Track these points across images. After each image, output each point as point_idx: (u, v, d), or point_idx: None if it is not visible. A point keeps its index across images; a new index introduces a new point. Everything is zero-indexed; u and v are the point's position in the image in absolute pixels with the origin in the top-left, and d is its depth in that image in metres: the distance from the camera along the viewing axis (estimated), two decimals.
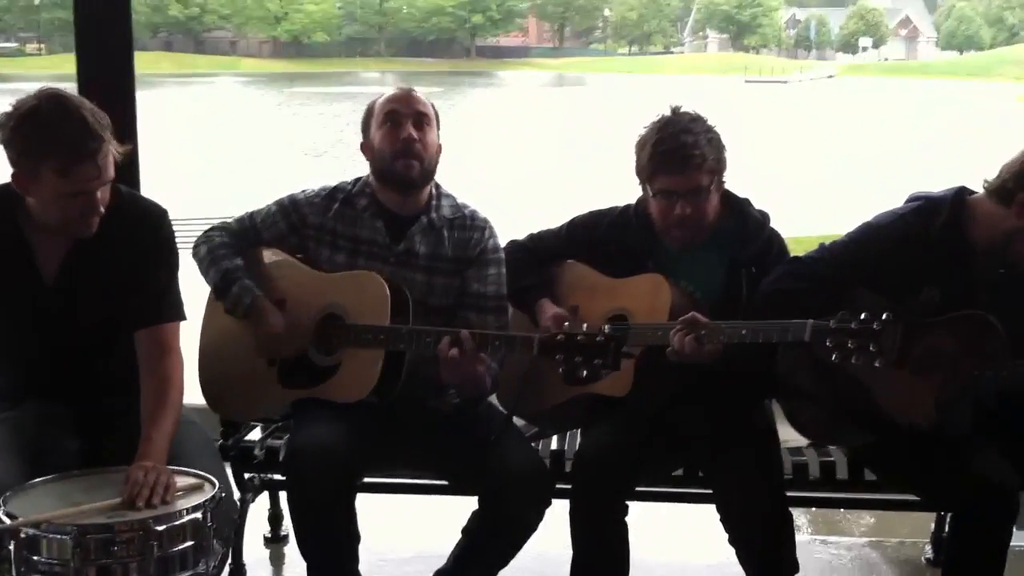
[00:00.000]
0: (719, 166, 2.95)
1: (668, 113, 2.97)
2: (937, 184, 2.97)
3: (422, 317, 2.93)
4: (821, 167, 22.72)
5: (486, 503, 2.84)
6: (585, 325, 2.67)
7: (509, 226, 3.29)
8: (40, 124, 2.51)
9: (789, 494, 2.95)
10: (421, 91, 3.07)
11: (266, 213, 3.12)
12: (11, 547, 2.24)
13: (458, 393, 2.95)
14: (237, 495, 3.02)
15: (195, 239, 3.13)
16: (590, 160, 21.97)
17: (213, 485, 2.46)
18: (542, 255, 3.20)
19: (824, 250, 2.92)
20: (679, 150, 2.87)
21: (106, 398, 2.77)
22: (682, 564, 3.62)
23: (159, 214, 2.78)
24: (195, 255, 3.09)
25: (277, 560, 3.64)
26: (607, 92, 48.06)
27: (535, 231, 3.27)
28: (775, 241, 3.04)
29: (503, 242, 3.15)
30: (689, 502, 3.21)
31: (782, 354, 2.82)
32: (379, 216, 3.03)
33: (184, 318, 2.81)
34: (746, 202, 3.06)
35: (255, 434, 3.23)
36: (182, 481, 2.47)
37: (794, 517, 2.91)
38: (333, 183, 3.14)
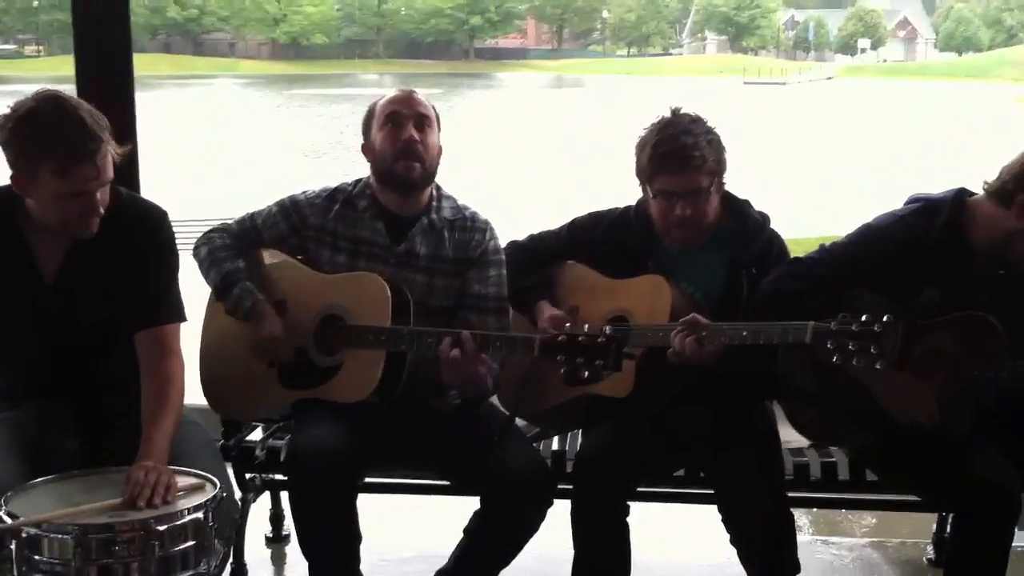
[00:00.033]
0: (719, 167, 2.95)
1: (668, 114, 2.98)
2: (936, 185, 2.97)
3: (423, 318, 2.93)
4: (820, 168, 22.72)
5: (487, 503, 2.84)
6: (586, 326, 2.67)
7: (509, 227, 3.29)
8: (38, 126, 2.51)
9: (790, 494, 2.95)
10: (420, 93, 3.08)
11: (267, 214, 3.13)
12: (12, 547, 2.24)
13: (459, 394, 2.95)
14: (238, 495, 3.03)
15: (195, 240, 3.13)
16: (589, 161, 21.97)
17: (214, 485, 2.46)
18: (542, 256, 3.20)
19: (824, 251, 2.92)
20: (679, 151, 2.87)
21: (106, 398, 2.77)
22: (683, 564, 3.62)
23: (159, 215, 2.79)
24: (196, 256, 3.10)
25: (278, 560, 3.64)
26: (606, 93, 48.07)
27: (535, 232, 3.27)
28: (775, 242, 3.04)
29: (503, 243, 3.15)
30: (690, 502, 3.21)
31: (783, 355, 2.83)
32: (380, 217, 3.03)
33: (184, 319, 2.82)
34: (746, 203, 3.06)
35: (256, 434, 3.23)
36: (183, 481, 2.47)
37: (795, 517, 2.91)
38: (334, 184, 3.14)
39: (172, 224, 2.81)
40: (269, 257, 3.14)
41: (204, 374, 3.13)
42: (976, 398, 2.79)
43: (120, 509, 2.33)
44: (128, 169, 2.83)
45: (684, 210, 2.90)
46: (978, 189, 2.84)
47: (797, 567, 2.84)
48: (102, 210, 2.61)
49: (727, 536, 2.85)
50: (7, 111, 2.56)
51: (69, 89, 2.82)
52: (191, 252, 3.09)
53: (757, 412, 3.05)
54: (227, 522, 2.52)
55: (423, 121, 3.00)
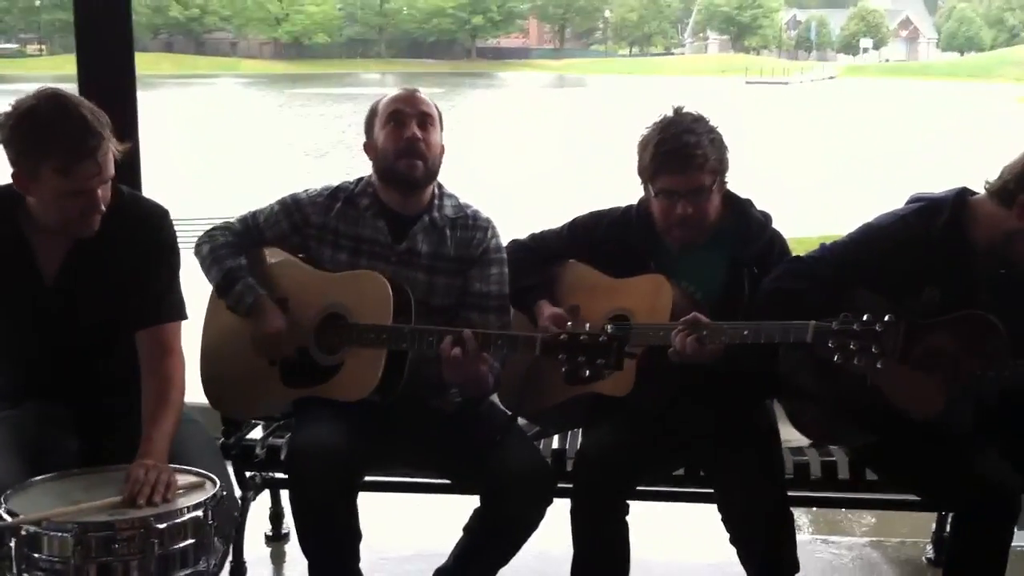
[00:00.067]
0: (721, 166, 2.95)
1: (670, 113, 2.98)
2: (938, 185, 2.97)
3: (424, 317, 2.93)
4: (822, 168, 22.71)
5: (488, 502, 2.84)
6: (588, 325, 2.67)
7: (510, 226, 3.29)
8: (39, 123, 2.51)
9: (790, 494, 2.95)
10: (423, 92, 3.08)
11: (269, 212, 3.13)
12: (12, 545, 2.24)
13: (460, 392, 2.95)
14: (238, 493, 3.03)
15: (197, 238, 3.13)
16: (591, 161, 21.97)
17: (214, 483, 2.46)
18: (543, 255, 3.20)
19: (825, 250, 2.92)
20: (681, 150, 2.88)
21: (106, 398, 2.77)
22: (682, 563, 3.62)
23: (160, 214, 2.78)
24: (197, 254, 3.10)
25: (278, 558, 3.65)
26: (607, 93, 48.07)
27: (536, 231, 3.27)
28: (777, 241, 3.04)
29: (505, 242, 3.16)
30: (690, 501, 3.21)
31: (784, 354, 2.83)
32: (381, 216, 3.03)
33: (185, 318, 2.81)
34: (748, 203, 3.07)
35: (256, 432, 3.23)
36: (183, 479, 2.47)
37: (795, 517, 2.91)
38: (335, 183, 3.14)
39: (174, 223, 2.81)
40: (271, 255, 3.14)
41: (205, 372, 3.13)
42: (977, 398, 2.79)
43: (120, 507, 2.33)
44: (130, 168, 2.83)
45: (685, 209, 2.90)
46: (979, 189, 2.84)
47: (796, 566, 2.84)
48: (103, 208, 2.61)
49: (726, 535, 2.85)
50: (8, 109, 2.55)
51: (71, 88, 2.81)
52: (192, 250, 3.10)
53: (758, 411, 3.05)
54: (227, 520, 2.52)
55: (426, 120, 3.00)
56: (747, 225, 3.02)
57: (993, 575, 2.73)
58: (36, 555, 2.24)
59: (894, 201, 2.98)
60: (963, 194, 2.86)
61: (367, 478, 2.96)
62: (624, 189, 3.21)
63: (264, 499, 3.60)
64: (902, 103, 41.98)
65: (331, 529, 2.78)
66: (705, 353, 2.72)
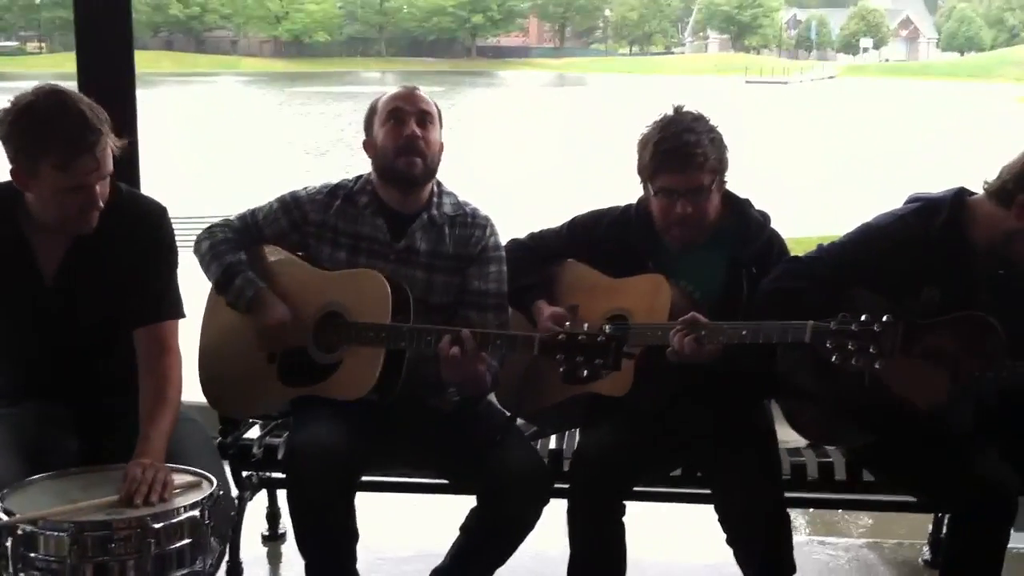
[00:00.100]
0: (721, 166, 2.95)
1: (671, 112, 2.98)
2: (937, 185, 2.96)
3: (422, 315, 2.93)
4: (821, 168, 22.72)
5: (486, 502, 2.84)
6: (586, 325, 2.67)
7: (509, 225, 3.29)
8: (38, 119, 2.51)
9: (787, 495, 2.94)
10: (422, 90, 3.08)
11: (268, 210, 3.13)
12: (8, 544, 2.24)
13: (458, 391, 2.95)
14: (235, 493, 3.02)
15: (196, 236, 3.13)
16: (590, 160, 21.98)
17: (211, 483, 2.46)
18: (542, 254, 3.20)
19: (823, 250, 2.92)
20: (681, 148, 2.87)
21: (106, 398, 2.76)
22: (679, 564, 3.62)
23: (159, 212, 2.78)
24: (197, 251, 3.09)
25: (274, 558, 3.64)
26: (607, 92, 48.10)
27: (535, 230, 3.27)
28: (776, 242, 3.04)
29: (504, 240, 3.15)
30: (686, 502, 3.20)
31: (782, 354, 2.82)
32: (380, 213, 3.03)
33: (183, 316, 2.81)
34: (747, 203, 3.06)
35: (253, 432, 3.23)
36: (180, 479, 2.47)
37: (792, 518, 2.91)
38: (335, 181, 3.14)
39: (172, 221, 2.81)
40: (270, 253, 3.13)
41: (203, 372, 3.12)
42: (977, 398, 2.79)
43: (117, 506, 2.33)
44: (129, 166, 2.83)
45: (685, 208, 2.90)
46: (979, 189, 2.84)
47: (793, 567, 2.84)
48: (101, 204, 2.61)
49: (723, 536, 2.85)
50: (7, 105, 2.55)
51: (71, 86, 2.81)
52: (191, 248, 3.09)
53: (756, 412, 3.05)
54: (223, 520, 2.52)
55: (425, 117, 3.00)
56: (746, 225, 3.02)
57: None
58: (32, 554, 2.23)
59: (893, 201, 2.98)
60: (961, 194, 2.85)
61: (365, 478, 2.96)
62: (624, 188, 3.20)
63: (261, 499, 3.59)
64: (902, 103, 42.00)
65: (329, 529, 2.78)
66: (703, 353, 2.72)
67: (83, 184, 2.54)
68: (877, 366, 2.53)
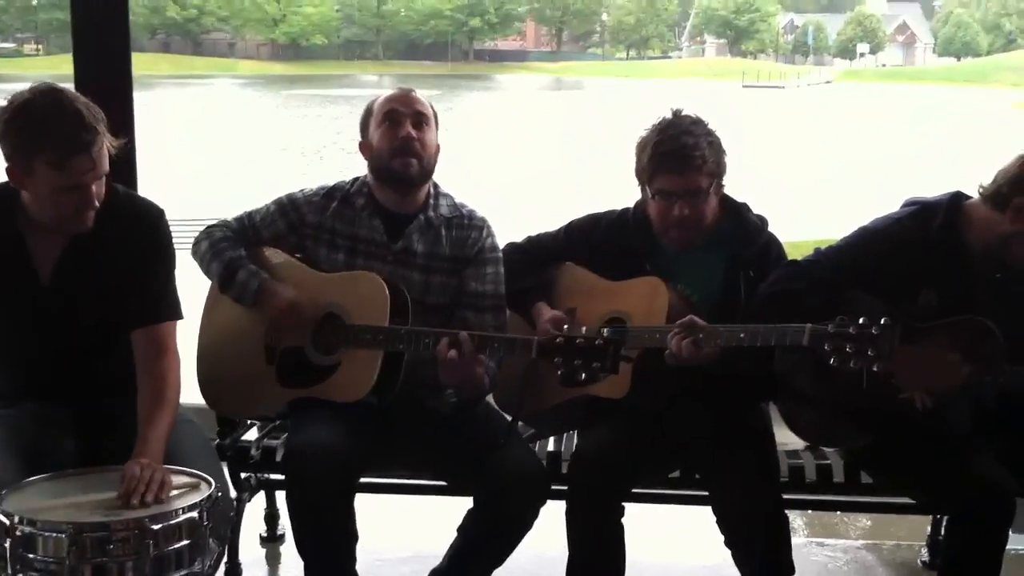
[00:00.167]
0: (719, 169, 2.96)
1: (669, 115, 2.98)
2: (933, 189, 2.97)
3: (419, 316, 2.93)
4: (818, 172, 22.73)
5: (485, 503, 2.84)
6: (584, 328, 2.67)
7: (507, 229, 3.29)
8: (34, 117, 2.51)
9: (785, 497, 2.94)
10: (418, 92, 3.08)
11: (265, 212, 3.13)
12: (7, 544, 2.24)
13: (456, 394, 2.95)
14: (233, 494, 3.02)
15: (194, 237, 3.12)
16: (587, 164, 21.98)
17: (209, 484, 2.46)
18: (540, 257, 3.20)
19: (821, 254, 2.93)
20: (679, 151, 2.88)
21: (105, 398, 2.76)
22: (677, 566, 3.62)
23: (156, 214, 2.78)
24: (195, 252, 3.09)
25: (273, 559, 3.64)
26: (605, 96, 48.08)
27: (533, 234, 3.27)
28: (773, 245, 3.05)
29: (501, 243, 3.16)
30: (685, 504, 3.21)
31: (780, 356, 2.83)
32: (377, 215, 3.04)
33: (181, 317, 2.81)
34: (744, 206, 3.07)
35: (252, 434, 3.23)
36: (178, 480, 2.47)
37: (790, 519, 2.91)
38: (332, 183, 3.14)
39: (169, 223, 2.81)
40: (268, 255, 3.13)
41: (201, 373, 3.12)
42: (975, 400, 2.80)
43: (115, 507, 2.33)
44: (126, 168, 2.83)
45: (683, 210, 2.91)
46: (975, 193, 2.85)
47: (791, 569, 2.85)
48: (97, 204, 2.61)
49: (721, 538, 2.85)
50: (3, 104, 2.55)
51: (68, 88, 2.81)
52: (190, 250, 3.09)
53: (754, 414, 3.06)
54: (222, 521, 2.52)
55: (421, 119, 3.00)
56: (744, 228, 3.03)
57: None
58: (31, 555, 2.24)
59: (890, 205, 2.99)
60: (957, 198, 2.86)
61: (363, 479, 2.95)
62: (621, 192, 3.21)
63: (259, 500, 3.59)
64: (898, 108, 42.02)
65: (328, 530, 2.78)
66: (701, 356, 2.72)
67: (79, 183, 2.54)
68: (875, 369, 2.54)
